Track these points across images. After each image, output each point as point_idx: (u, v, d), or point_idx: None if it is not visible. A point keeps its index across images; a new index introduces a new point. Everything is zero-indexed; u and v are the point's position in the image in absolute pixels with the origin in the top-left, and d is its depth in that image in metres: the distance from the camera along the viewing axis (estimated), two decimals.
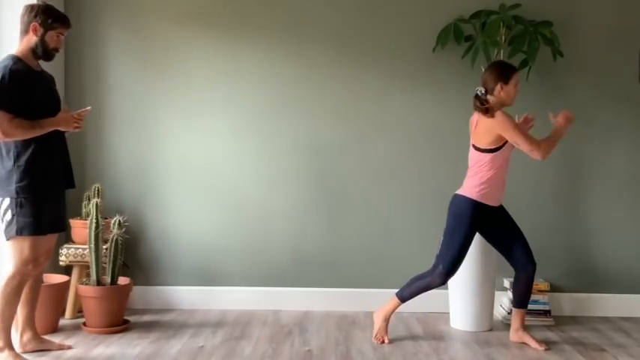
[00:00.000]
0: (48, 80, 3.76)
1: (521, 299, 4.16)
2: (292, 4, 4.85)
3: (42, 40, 3.59)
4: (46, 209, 3.62)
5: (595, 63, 4.83)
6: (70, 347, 3.93)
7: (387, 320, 4.19)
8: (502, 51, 4.54)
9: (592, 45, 4.83)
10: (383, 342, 4.12)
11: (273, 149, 4.88)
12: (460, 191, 4.10)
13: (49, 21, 3.59)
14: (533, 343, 4.07)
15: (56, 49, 3.67)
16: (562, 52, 4.59)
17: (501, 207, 4.14)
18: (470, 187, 4.05)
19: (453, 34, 4.63)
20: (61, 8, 4.79)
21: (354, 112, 4.87)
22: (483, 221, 4.06)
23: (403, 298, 4.16)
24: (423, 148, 4.87)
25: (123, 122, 4.89)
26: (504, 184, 4.10)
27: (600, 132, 4.86)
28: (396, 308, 4.19)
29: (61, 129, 3.67)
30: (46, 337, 3.99)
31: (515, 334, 4.19)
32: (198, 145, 4.88)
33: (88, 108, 3.79)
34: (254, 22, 4.85)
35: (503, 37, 4.55)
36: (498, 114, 3.96)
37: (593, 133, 4.87)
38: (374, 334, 4.17)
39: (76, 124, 3.69)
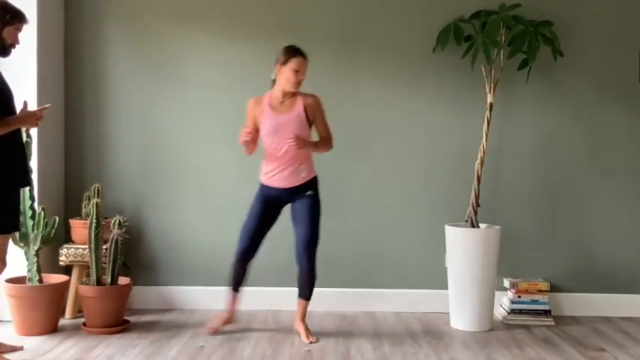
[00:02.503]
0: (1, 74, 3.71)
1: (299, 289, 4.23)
2: (292, 5, 4.85)
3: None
4: (11, 208, 3.62)
5: (595, 63, 4.83)
6: (21, 348, 3.87)
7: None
8: (502, 51, 4.54)
9: (592, 45, 4.83)
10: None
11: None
12: None
13: (7, 16, 3.54)
14: (302, 335, 4.15)
15: (13, 45, 3.62)
16: (562, 52, 4.59)
17: (303, 193, 4.14)
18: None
19: (453, 34, 4.63)
20: (60, 8, 4.81)
21: (354, 112, 4.87)
22: (272, 202, 4.18)
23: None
24: (422, 147, 4.87)
25: (123, 122, 4.89)
26: (280, 166, 4.11)
27: (600, 131, 4.86)
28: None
29: (25, 126, 3.67)
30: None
31: (295, 323, 4.28)
32: (198, 145, 4.88)
33: (48, 105, 3.78)
34: (254, 23, 4.85)
35: (503, 37, 4.55)
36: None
37: (593, 132, 4.87)
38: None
39: (37, 122, 3.67)
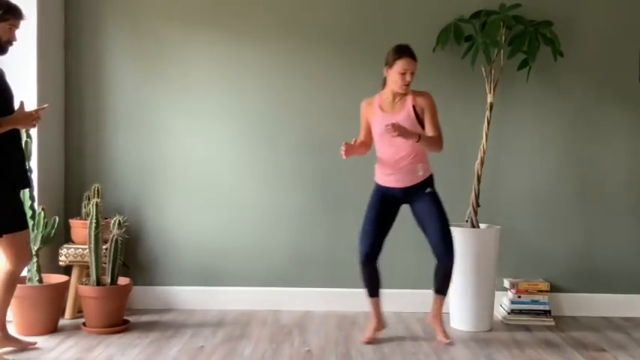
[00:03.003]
0: (1, 75, 3.65)
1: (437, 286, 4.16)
2: (292, 5, 4.85)
3: None
4: (12, 209, 3.61)
5: (595, 63, 4.83)
6: (35, 344, 3.90)
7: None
8: (502, 51, 4.54)
9: (592, 45, 4.83)
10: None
11: (272, 149, 4.88)
12: None
13: (0, 12, 3.47)
14: (439, 335, 4.11)
15: (9, 42, 3.55)
16: (562, 52, 4.59)
17: (421, 192, 4.09)
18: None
19: (453, 34, 4.63)
20: (60, 8, 4.81)
21: (354, 112, 4.85)
22: (390, 202, 4.12)
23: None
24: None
25: (123, 122, 4.89)
26: (394, 166, 4.05)
27: (600, 132, 4.86)
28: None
29: (20, 127, 3.62)
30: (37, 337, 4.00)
31: (429, 318, 4.23)
32: (198, 145, 4.88)
33: (46, 105, 3.75)
34: (254, 22, 4.85)
35: (503, 37, 4.55)
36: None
37: (593, 132, 4.87)
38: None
39: (34, 122, 3.62)
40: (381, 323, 4.22)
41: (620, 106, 4.85)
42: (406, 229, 4.86)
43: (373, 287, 4.17)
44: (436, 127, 4.05)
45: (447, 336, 4.12)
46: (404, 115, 4.02)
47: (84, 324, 4.32)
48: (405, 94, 4.04)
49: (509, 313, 4.64)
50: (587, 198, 4.88)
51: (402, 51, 3.98)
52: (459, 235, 4.45)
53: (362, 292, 4.83)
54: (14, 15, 3.54)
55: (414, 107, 4.02)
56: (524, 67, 4.56)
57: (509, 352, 4.01)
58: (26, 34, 4.10)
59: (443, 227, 4.05)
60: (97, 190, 4.59)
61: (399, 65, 3.96)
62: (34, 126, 3.69)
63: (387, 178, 4.10)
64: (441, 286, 4.13)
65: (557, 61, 4.62)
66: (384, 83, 4.13)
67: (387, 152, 4.06)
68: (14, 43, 3.61)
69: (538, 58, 4.52)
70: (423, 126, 4.05)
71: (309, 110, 4.88)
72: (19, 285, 4.20)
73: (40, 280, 4.29)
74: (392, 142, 4.00)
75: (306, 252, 4.89)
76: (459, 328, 4.47)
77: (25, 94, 3.94)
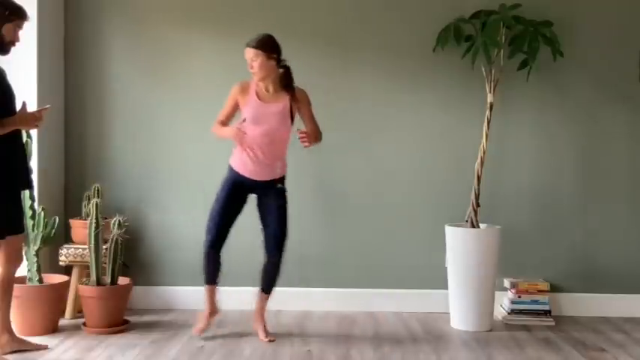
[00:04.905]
0: (2, 74, 3.65)
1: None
2: (292, 5, 4.85)
3: None
4: (4, 212, 3.60)
5: (595, 63, 4.83)
6: (46, 347, 3.90)
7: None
8: (502, 51, 4.54)
9: (592, 45, 4.83)
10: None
11: None
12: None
13: (6, 13, 3.47)
14: (261, 334, 4.15)
15: (12, 43, 3.55)
16: (562, 52, 4.59)
17: (272, 187, 4.13)
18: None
19: (453, 34, 4.63)
20: (60, 8, 4.81)
21: (354, 112, 4.87)
22: (242, 191, 4.14)
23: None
24: (422, 148, 4.87)
25: (123, 122, 4.89)
26: (259, 156, 4.05)
27: (600, 132, 4.86)
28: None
29: (23, 128, 3.62)
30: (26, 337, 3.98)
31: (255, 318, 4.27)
32: (197, 145, 4.88)
33: (48, 106, 3.74)
34: (254, 23, 4.83)
35: (503, 37, 4.55)
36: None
37: (593, 132, 4.87)
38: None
39: (36, 123, 3.62)
40: (215, 308, 4.26)
41: (620, 105, 4.85)
42: (404, 229, 4.87)
43: (215, 275, 4.21)
44: (315, 120, 4.18)
45: (267, 334, 4.15)
46: (280, 107, 4.07)
47: (84, 324, 4.32)
48: (281, 85, 4.09)
49: (509, 313, 4.64)
50: (587, 198, 4.88)
51: (248, 41, 4.07)
52: (459, 235, 4.46)
53: (362, 292, 4.86)
54: (19, 16, 3.54)
55: (290, 102, 4.09)
56: (524, 67, 4.56)
57: (510, 351, 4.01)
58: (26, 34, 4.10)
59: (282, 224, 4.13)
60: (97, 190, 4.59)
61: (245, 55, 4.06)
62: (37, 127, 3.69)
63: (246, 166, 4.08)
64: (269, 285, 4.21)
65: (557, 61, 4.62)
66: None
67: (256, 140, 4.04)
68: (17, 44, 3.61)
69: (538, 58, 4.52)
70: (292, 120, 4.12)
71: None
72: (19, 285, 4.21)
73: (40, 280, 4.29)
74: (268, 132, 4.03)
75: (306, 252, 4.88)
76: (459, 328, 4.47)
77: (25, 95, 3.93)
